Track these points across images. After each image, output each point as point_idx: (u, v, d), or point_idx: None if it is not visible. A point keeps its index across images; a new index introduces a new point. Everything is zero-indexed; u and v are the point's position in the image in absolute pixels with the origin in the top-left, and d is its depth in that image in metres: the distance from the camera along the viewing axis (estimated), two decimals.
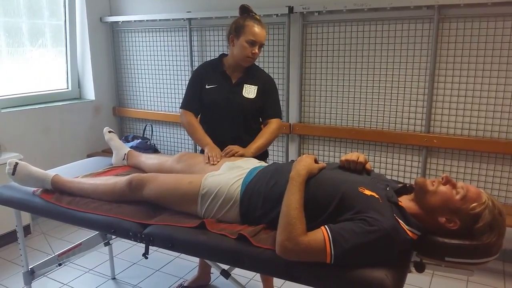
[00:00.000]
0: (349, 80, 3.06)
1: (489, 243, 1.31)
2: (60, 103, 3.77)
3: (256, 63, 2.29)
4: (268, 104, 2.21)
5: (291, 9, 3.04)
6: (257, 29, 2.06)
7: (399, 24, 2.82)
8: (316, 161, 1.58)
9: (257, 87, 2.17)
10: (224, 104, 2.16)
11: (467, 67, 2.69)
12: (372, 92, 3.00)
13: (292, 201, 1.40)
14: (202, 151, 2.27)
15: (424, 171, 2.92)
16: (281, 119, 2.26)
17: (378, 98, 2.99)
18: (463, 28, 2.65)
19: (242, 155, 1.98)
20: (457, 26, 2.66)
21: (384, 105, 2.98)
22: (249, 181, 1.65)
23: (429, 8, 2.69)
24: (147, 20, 3.76)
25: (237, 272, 2.16)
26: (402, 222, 1.36)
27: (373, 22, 2.89)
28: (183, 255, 2.86)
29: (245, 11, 2.13)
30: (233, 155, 1.97)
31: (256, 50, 2.08)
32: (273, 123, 2.19)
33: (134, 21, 3.83)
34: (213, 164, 1.90)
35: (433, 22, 2.69)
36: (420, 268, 1.45)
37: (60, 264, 2.29)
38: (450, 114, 2.79)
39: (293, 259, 1.33)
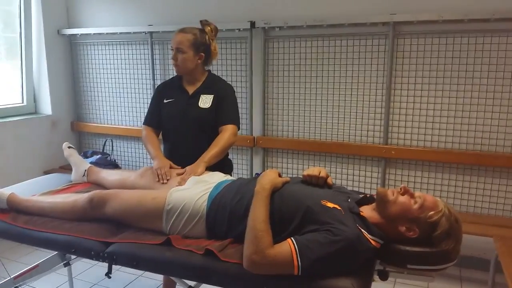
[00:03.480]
0: (310, 93, 3.13)
1: (448, 249, 1.37)
2: (15, 118, 3.60)
3: (220, 77, 2.31)
4: (222, 110, 2.14)
5: (253, 24, 3.08)
6: (174, 36, 2.11)
7: (356, 40, 2.93)
8: (279, 176, 1.60)
9: (213, 96, 2.15)
10: (180, 116, 2.15)
11: (421, 81, 2.82)
12: (333, 105, 3.08)
13: (258, 214, 1.41)
14: None
15: (384, 182, 3.01)
16: (237, 125, 2.17)
17: (338, 111, 3.07)
18: (417, 44, 2.78)
19: (196, 174, 1.89)
20: (411, 42, 2.79)
21: (344, 118, 3.06)
22: (215, 195, 1.64)
23: (384, 25, 2.80)
24: (106, 33, 3.70)
25: None
26: (365, 232, 1.40)
27: (332, 37, 2.98)
28: (146, 273, 2.79)
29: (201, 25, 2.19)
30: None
31: (176, 56, 2.10)
32: (227, 130, 2.10)
33: (93, 33, 3.75)
34: (164, 183, 1.89)
35: (388, 38, 2.81)
36: (383, 276, 1.49)
37: None
38: (406, 126, 2.91)
39: (261, 272, 1.33)
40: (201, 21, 2.19)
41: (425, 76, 2.80)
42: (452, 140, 2.80)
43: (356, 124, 3.04)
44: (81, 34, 3.81)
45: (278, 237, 1.39)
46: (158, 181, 1.92)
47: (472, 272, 2.86)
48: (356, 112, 3.02)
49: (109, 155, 3.84)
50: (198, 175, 1.87)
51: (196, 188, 1.71)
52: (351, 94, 3.01)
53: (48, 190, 2.09)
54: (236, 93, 2.29)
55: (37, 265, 2.25)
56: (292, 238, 1.35)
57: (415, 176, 2.94)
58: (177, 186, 1.78)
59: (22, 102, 3.82)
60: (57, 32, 3.84)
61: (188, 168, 1.94)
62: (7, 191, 1.92)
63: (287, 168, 3.29)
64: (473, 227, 2.53)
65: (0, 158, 3.42)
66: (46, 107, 3.88)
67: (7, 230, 1.78)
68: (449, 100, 2.77)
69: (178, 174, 1.92)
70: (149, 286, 2.71)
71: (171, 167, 2.00)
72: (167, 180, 1.91)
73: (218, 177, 1.83)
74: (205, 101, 2.14)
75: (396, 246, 1.42)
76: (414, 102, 2.86)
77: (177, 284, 2.03)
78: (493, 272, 2.37)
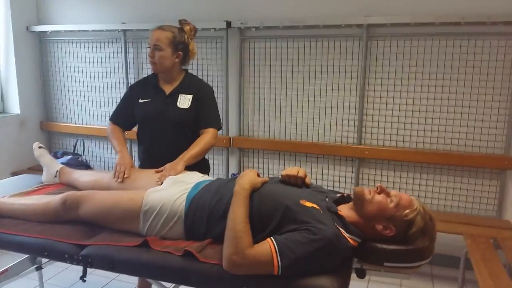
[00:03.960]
0: (286, 94, 3.15)
1: (423, 247, 1.41)
2: None
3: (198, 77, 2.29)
4: (202, 113, 2.12)
5: (229, 24, 3.08)
6: (152, 32, 2.09)
7: (331, 41, 2.97)
8: (258, 175, 1.61)
9: (192, 95, 2.12)
10: (157, 117, 2.11)
11: (394, 83, 2.88)
12: (308, 106, 3.11)
13: (238, 214, 1.40)
14: (140, 167, 2.21)
15: (357, 181, 3.07)
16: (217, 128, 2.16)
17: (314, 112, 3.10)
18: (390, 46, 2.85)
19: (176, 171, 1.88)
20: (384, 44, 2.86)
21: (319, 118, 3.10)
22: (193, 196, 1.62)
23: (358, 27, 2.86)
24: (78, 30, 3.60)
25: None
26: (343, 230, 1.41)
27: (307, 38, 3.02)
28: (120, 277, 2.73)
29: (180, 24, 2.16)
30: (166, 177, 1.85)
31: (153, 54, 2.07)
32: (208, 133, 2.09)
33: (64, 31, 3.65)
34: (120, 182, 1.90)
35: (362, 40, 2.86)
36: (361, 274, 1.51)
37: None
38: (379, 127, 2.97)
39: (241, 272, 1.33)
40: (180, 21, 2.16)
41: (397, 77, 2.87)
42: (423, 140, 2.88)
43: (330, 125, 3.08)
44: (51, 31, 3.70)
45: (257, 237, 1.39)
46: (115, 178, 1.92)
47: (443, 270, 2.94)
48: (331, 113, 3.07)
49: (81, 155, 3.74)
50: (178, 173, 1.85)
51: (174, 189, 1.68)
52: (326, 95, 3.05)
53: (18, 191, 2.02)
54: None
55: (6, 269, 2.17)
56: (271, 237, 1.35)
57: (387, 175, 3.01)
58: (156, 186, 1.76)
59: None
60: (26, 28, 3.72)
61: (167, 165, 1.92)
62: None
63: (263, 168, 3.30)
64: (443, 225, 2.60)
65: None
66: (14, 106, 3.75)
67: None
68: (420, 101, 2.85)
69: (157, 172, 1.90)
70: None
71: (132, 167, 2.00)
72: (124, 178, 1.91)
73: (196, 177, 1.82)
74: (184, 101, 2.11)
75: (373, 244, 1.45)
76: (386, 103, 2.93)
77: (154, 286, 2.00)
78: (463, 269, 2.44)
